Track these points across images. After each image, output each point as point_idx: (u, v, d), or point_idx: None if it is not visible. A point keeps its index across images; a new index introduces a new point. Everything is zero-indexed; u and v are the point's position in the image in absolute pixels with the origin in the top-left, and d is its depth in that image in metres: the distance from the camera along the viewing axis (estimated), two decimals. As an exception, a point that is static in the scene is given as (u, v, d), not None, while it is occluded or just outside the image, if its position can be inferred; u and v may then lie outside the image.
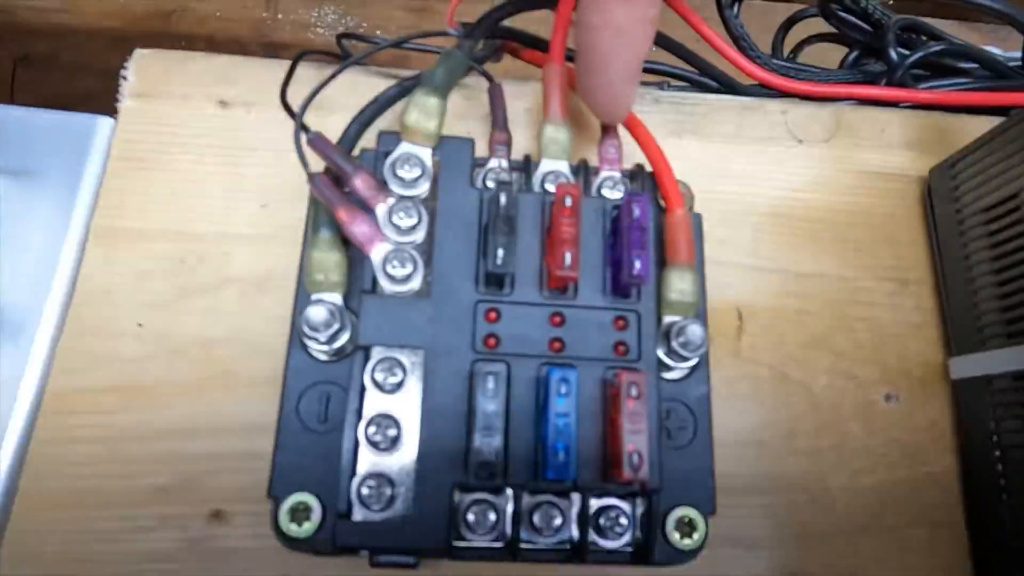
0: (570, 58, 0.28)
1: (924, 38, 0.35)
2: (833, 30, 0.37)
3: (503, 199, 0.22)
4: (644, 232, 0.22)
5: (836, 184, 0.30)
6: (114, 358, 0.24)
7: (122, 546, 0.22)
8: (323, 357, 0.23)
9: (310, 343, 0.22)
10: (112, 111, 0.27)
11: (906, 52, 0.33)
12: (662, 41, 0.32)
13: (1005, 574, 0.24)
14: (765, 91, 0.32)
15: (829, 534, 0.25)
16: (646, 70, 0.32)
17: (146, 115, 0.27)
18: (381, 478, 0.20)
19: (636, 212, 0.22)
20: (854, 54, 0.36)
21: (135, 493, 0.23)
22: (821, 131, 0.30)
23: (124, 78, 0.27)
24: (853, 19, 0.35)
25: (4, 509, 0.22)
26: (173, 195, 0.26)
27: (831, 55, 0.38)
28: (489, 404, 0.20)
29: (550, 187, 0.24)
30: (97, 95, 0.30)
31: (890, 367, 0.27)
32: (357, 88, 0.27)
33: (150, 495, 0.23)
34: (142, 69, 0.28)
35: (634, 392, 0.20)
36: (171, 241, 0.26)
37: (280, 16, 0.72)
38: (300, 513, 0.21)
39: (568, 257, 0.21)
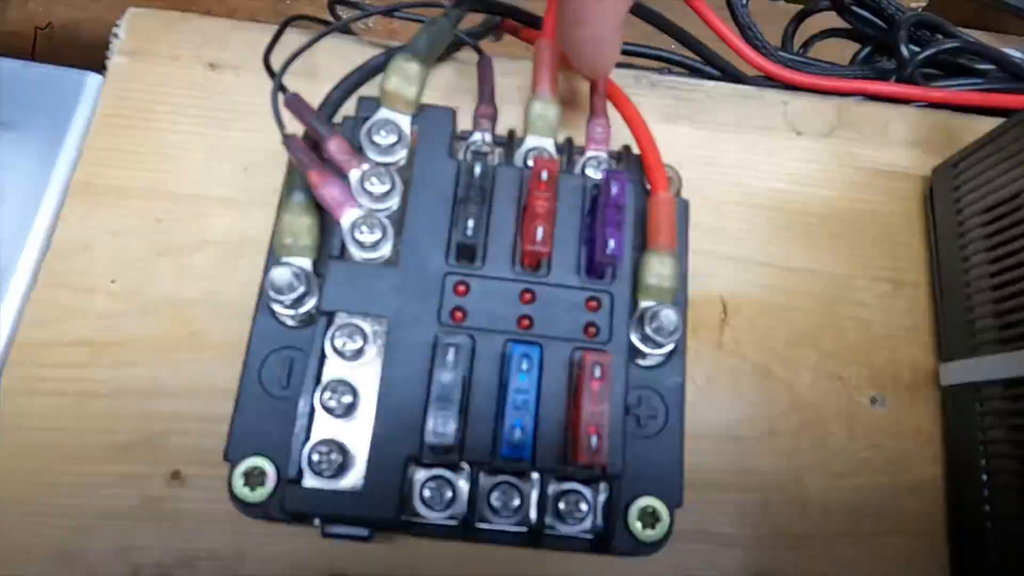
0: (563, 35, 0.27)
1: (939, 36, 0.33)
2: (846, 25, 0.35)
3: (477, 169, 0.21)
4: (620, 211, 0.21)
5: (834, 179, 0.29)
6: (85, 313, 0.24)
7: (80, 500, 0.22)
8: (290, 322, 0.22)
9: (276, 307, 0.22)
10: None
11: (917, 49, 0.32)
12: (666, 27, 0.31)
13: (985, 589, 0.23)
14: (769, 83, 0.31)
15: (803, 537, 0.24)
16: (647, 56, 0.32)
17: (135, 73, 0.27)
18: (332, 444, 0.20)
19: (614, 190, 0.21)
20: (866, 50, 0.35)
21: (96, 449, 0.23)
22: (822, 124, 0.29)
23: (115, 35, 0.27)
24: (867, 14, 0.34)
25: (-35, 456, 0.22)
26: (156, 155, 0.26)
27: (844, 51, 0.37)
28: (446, 375, 0.19)
29: (532, 163, 0.24)
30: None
31: (878, 369, 0.26)
32: (348, 57, 0.27)
33: (111, 452, 0.23)
34: (134, 27, 0.27)
35: (598, 373, 0.19)
36: (150, 200, 0.25)
37: (299, -6, 0.72)
38: (254, 477, 0.21)
39: (540, 231, 0.20)
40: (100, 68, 0.28)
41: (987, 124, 0.29)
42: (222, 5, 0.74)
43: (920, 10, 0.34)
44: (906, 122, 0.30)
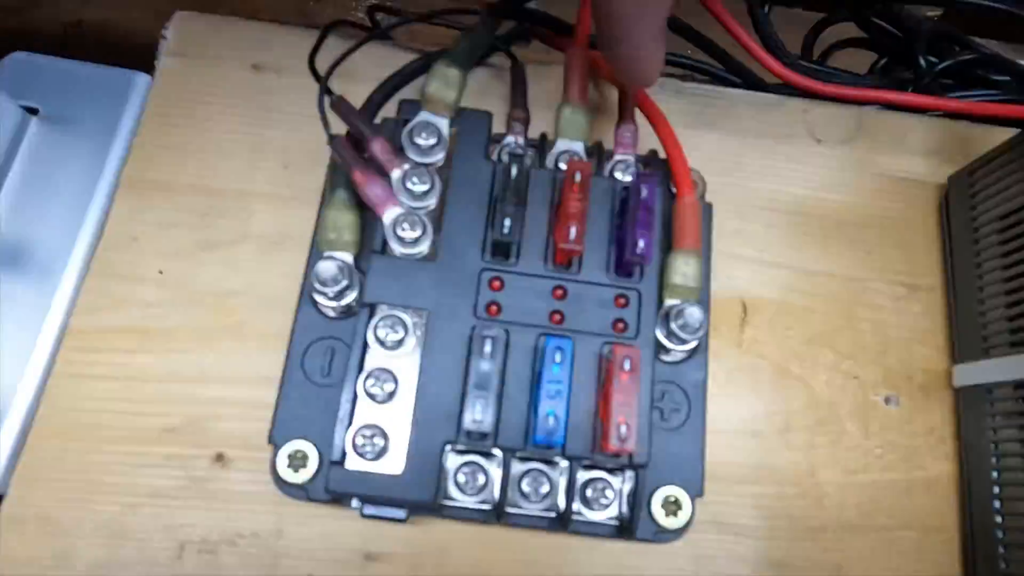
0: (594, 44, 0.28)
1: (957, 48, 0.34)
2: (865, 35, 0.36)
3: (514, 171, 0.22)
4: (650, 212, 0.22)
5: (852, 185, 0.30)
6: (134, 301, 0.25)
7: (128, 479, 0.23)
8: (331, 313, 0.23)
9: (319, 298, 0.23)
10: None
11: (935, 60, 0.33)
12: (691, 36, 0.32)
13: (994, 583, 0.24)
14: (790, 91, 0.32)
15: (817, 529, 0.25)
16: (672, 63, 0.33)
17: (182, 74, 0.28)
18: (375, 429, 0.21)
19: (644, 192, 0.22)
20: (884, 60, 0.36)
21: (144, 431, 0.24)
22: (841, 132, 0.30)
23: (164, 37, 0.28)
24: (886, 25, 0.35)
25: (23, 435, 0.23)
26: (201, 151, 0.27)
27: (862, 60, 0.37)
28: (484, 364, 0.20)
29: (563, 166, 0.25)
30: (141, 66, 0.31)
31: (893, 370, 0.27)
32: (386, 60, 0.28)
33: (158, 434, 0.24)
34: (182, 30, 0.29)
35: (627, 366, 0.20)
36: (196, 195, 0.27)
37: (324, -4, 0.73)
38: (297, 460, 0.22)
39: (573, 231, 0.22)
40: (127, 66, 0.29)
41: (1003, 134, 0.30)
42: (246, 5, 0.76)
43: (936, 19, 0.35)
44: (923, 131, 0.31)
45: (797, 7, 0.37)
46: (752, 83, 0.32)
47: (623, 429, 0.20)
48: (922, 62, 0.33)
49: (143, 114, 0.27)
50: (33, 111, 0.27)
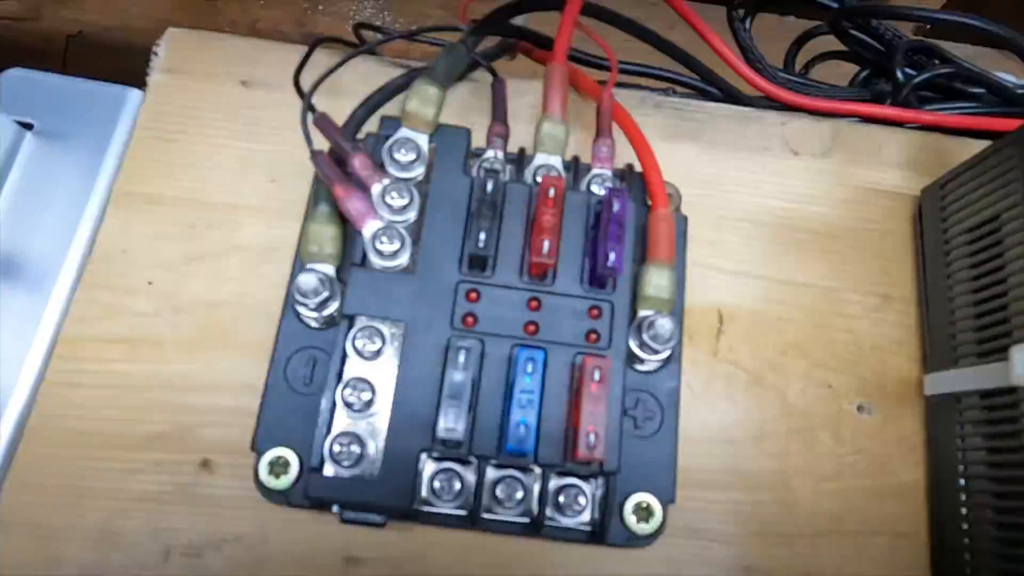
0: (572, 58, 0.29)
1: (935, 61, 0.35)
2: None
3: (490, 186, 0.23)
4: (621, 226, 0.23)
5: (828, 197, 0.30)
6: (124, 312, 0.26)
7: (117, 484, 0.24)
8: (313, 324, 0.24)
9: (301, 309, 0.23)
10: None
11: (913, 73, 0.33)
12: (670, 50, 0.33)
13: (961, 588, 0.24)
14: (770, 103, 0.32)
15: (790, 535, 0.26)
16: (652, 76, 0.33)
17: (173, 90, 0.29)
18: (352, 436, 0.21)
19: (616, 207, 0.23)
20: (864, 72, 0.36)
21: (132, 438, 0.25)
22: (818, 145, 0.31)
23: (155, 54, 0.29)
24: (865, 38, 0.35)
25: (14, 442, 0.24)
26: (190, 166, 0.28)
27: (846, 72, 0.38)
28: (457, 375, 0.21)
29: (540, 180, 0.25)
30: (141, 75, 0.32)
31: (866, 379, 0.28)
32: (371, 76, 0.28)
33: (146, 441, 0.25)
34: (173, 46, 0.30)
35: (596, 376, 0.21)
36: (184, 208, 0.27)
37: (321, 8, 0.74)
38: (279, 467, 0.23)
39: (546, 244, 0.22)
40: (127, 74, 0.30)
41: (976, 147, 0.31)
42: (245, 15, 0.77)
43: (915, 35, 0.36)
44: (899, 144, 0.31)
45: (775, 13, 0.38)
46: (731, 95, 0.33)
47: (591, 438, 0.21)
48: (899, 75, 0.33)
49: (134, 128, 0.28)
50: (28, 126, 0.28)
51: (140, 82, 0.30)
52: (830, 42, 0.38)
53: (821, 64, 0.39)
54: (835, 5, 0.34)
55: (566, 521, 0.23)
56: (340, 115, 0.26)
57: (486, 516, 0.23)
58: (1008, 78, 0.35)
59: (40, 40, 0.71)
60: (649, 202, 0.26)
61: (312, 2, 0.75)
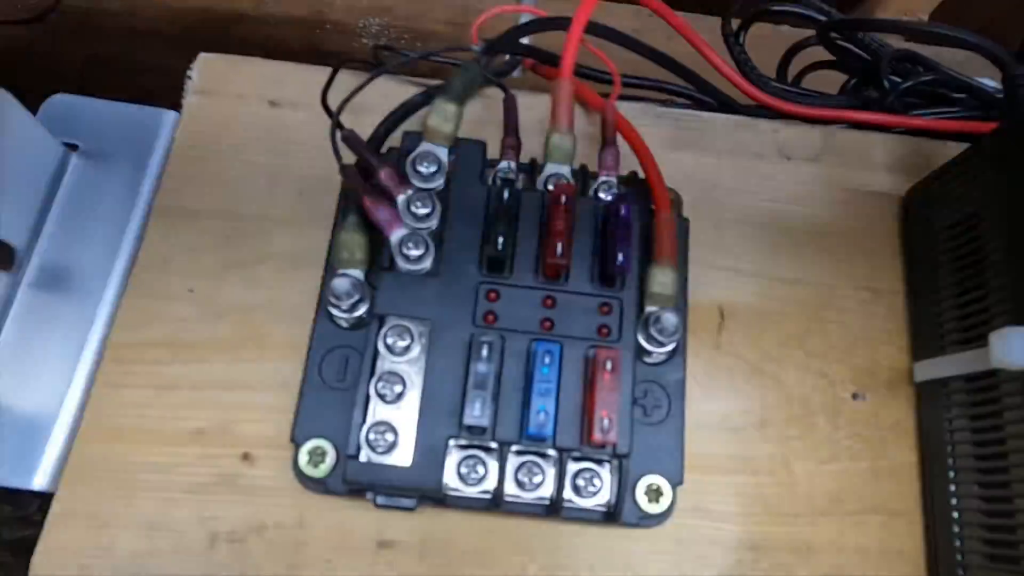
0: (577, 73, 0.31)
1: (920, 68, 0.37)
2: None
3: (506, 194, 0.25)
4: (628, 230, 0.25)
5: (820, 199, 0.32)
6: (167, 317, 0.28)
7: (165, 477, 0.26)
8: (345, 324, 0.26)
9: (334, 311, 0.25)
10: (170, 106, 0.31)
11: (899, 80, 0.35)
12: (669, 63, 0.35)
13: (954, 560, 0.26)
14: (763, 111, 0.34)
15: (791, 514, 0.28)
16: (653, 88, 0.35)
17: (206, 110, 0.31)
18: (386, 425, 0.23)
19: (622, 212, 0.25)
20: (853, 80, 0.38)
21: (178, 433, 0.27)
22: (809, 150, 0.33)
23: (189, 77, 0.31)
24: (852, 47, 0.37)
25: (70, 439, 0.26)
26: (225, 181, 0.30)
27: (837, 80, 0.40)
28: (482, 366, 0.23)
29: (552, 187, 0.27)
30: (157, 92, 0.34)
31: (859, 368, 0.30)
32: (390, 94, 0.31)
33: (190, 436, 0.27)
34: (205, 70, 0.32)
35: (609, 366, 0.23)
36: (220, 220, 0.29)
37: (328, 26, 0.76)
38: (317, 456, 0.25)
39: (559, 247, 0.24)
40: (144, 92, 0.32)
41: (958, 149, 0.33)
42: (256, 34, 0.79)
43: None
44: (886, 147, 0.33)
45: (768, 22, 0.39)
46: (727, 105, 0.35)
47: (606, 422, 0.22)
48: (886, 83, 0.35)
49: (172, 148, 0.30)
50: (73, 147, 0.30)
51: (155, 99, 0.32)
52: (821, 52, 0.40)
53: (812, 73, 0.41)
54: (823, 19, 0.36)
55: (583, 502, 0.25)
56: (361, 128, 0.28)
57: (508, 499, 0.24)
58: (989, 83, 0.37)
59: (59, 61, 0.74)
60: (653, 206, 0.28)
61: (321, 20, 0.77)
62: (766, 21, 0.41)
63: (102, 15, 0.77)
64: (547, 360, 0.23)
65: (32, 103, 0.31)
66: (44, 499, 0.26)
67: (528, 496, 0.24)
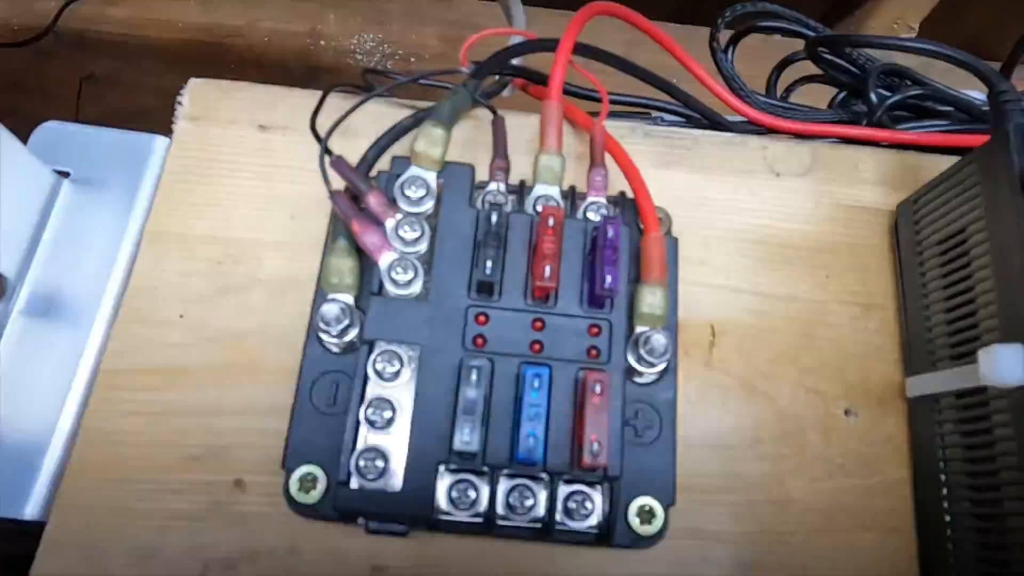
0: (566, 91, 0.31)
1: (908, 82, 0.37)
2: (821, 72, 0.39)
3: (494, 217, 0.25)
4: (616, 251, 0.25)
5: (810, 215, 0.32)
6: (158, 344, 0.28)
7: (157, 504, 0.26)
8: (335, 349, 0.26)
9: (324, 336, 0.25)
10: (166, 126, 0.32)
11: (886, 94, 0.35)
12: (657, 82, 0.35)
13: (947, 578, 0.26)
14: (750, 128, 0.35)
15: (785, 533, 0.28)
16: (641, 106, 0.36)
17: (196, 136, 0.31)
18: (376, 452, 0.23)
19: (610, 233, 0.25)
20: (841, 95, 0.38)
21: (170, 460, 0.26)
22: (798, 166, 0.33)
23: (179, 103, 0.31)
24: (840, 62, 0.38)
25: (61, 467, 0.26)
26: (215, 205, 0.30)
27: (826, 94, 0.40)
28: (471, 392, 0.23)
29: (540, 209, 0.28)
30: (154, 111, 0.34)
31: (851, 384, 0.30)
32: (380, 117, 0.31)
33: (182, 463, 0.26)
34: (195, 96, 0.32)
35: (598, 389, 0.23)
36: (211, 245, 0.29)
37: (323, 43, 0.77)
38: (308, 483, 0.25)
39: (547, 269, 0.24)
40: (138, 111, 0.32)
41: (946, 163, 0.33)
42: (250, 52, 0.80)
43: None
44: (875, 162, 0.33)
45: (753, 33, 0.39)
46: (715, 121, 0.35)
47: (595, 446, 0.22)
48: (873, 97, 0.35)
49: (162, 173, 0.30)
50: (64, 174, 0.30)
51: (151, 118, 0.32)
52: (809, 67, 0.41)
53: (801, 87, 0.41)
54: (811, 34, 0.37)
55: (575, 525, 0.25)
56: (350, 152, 0.28)
57: (500, 523, 0.24)
58: (976, 95, 0.37)
59: (56, 81, 0.74)
60: (641, 226, 0.28)
61: (314, 37, 0.78)
62: (758, 30, 0.41)
63: (98, 34, 0.78)
64: (536, 384, 0.23)
65: (28, 124, 0.31)
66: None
67: (520, 519, 0.24)
